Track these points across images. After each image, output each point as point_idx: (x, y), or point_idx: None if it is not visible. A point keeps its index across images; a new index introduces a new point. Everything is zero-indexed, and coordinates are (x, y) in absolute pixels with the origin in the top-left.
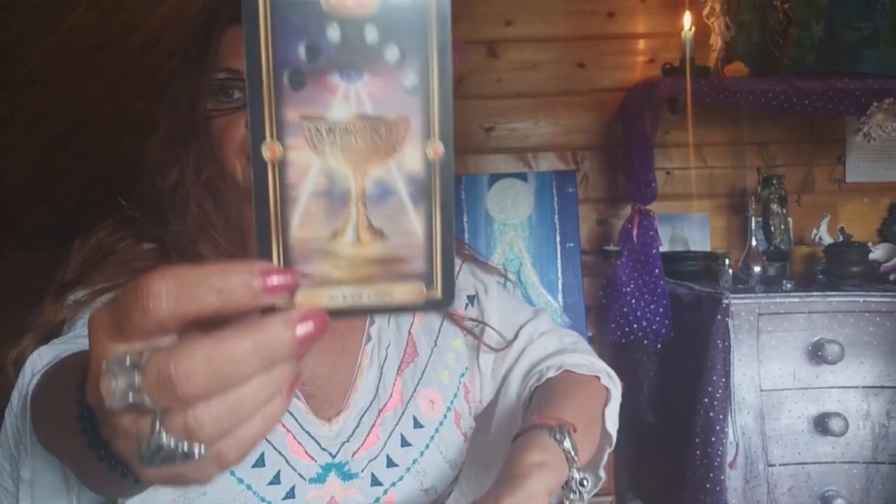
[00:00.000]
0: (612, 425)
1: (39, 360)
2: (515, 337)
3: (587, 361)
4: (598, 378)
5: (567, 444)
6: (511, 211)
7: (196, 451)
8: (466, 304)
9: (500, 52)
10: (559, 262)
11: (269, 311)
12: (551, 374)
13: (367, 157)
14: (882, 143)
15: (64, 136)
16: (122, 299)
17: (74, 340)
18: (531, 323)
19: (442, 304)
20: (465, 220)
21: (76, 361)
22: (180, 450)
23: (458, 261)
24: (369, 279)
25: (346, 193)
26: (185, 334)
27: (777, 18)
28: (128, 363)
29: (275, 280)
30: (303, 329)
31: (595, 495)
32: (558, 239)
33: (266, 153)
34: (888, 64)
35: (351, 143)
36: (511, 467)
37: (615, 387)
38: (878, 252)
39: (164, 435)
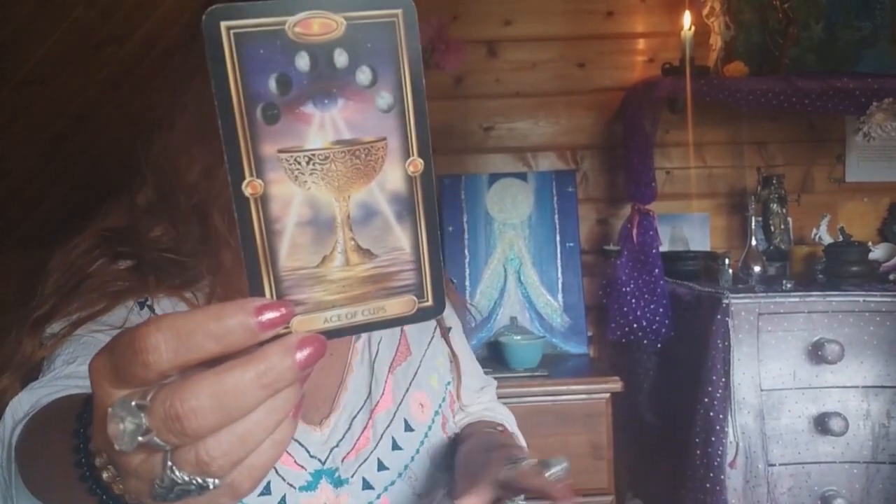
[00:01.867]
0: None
1: (20, 406)
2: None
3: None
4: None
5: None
6: (511, 210)
7: (210, 484)
8: (450, 329)
9: (500, 51)
10: (559, 261)
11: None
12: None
13: (349, 182)
14: (882, 142)
15: (64, 136)
16: (119, 351)
17: (53, 382)
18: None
19: (434, 311)
20: (464, 219)
21: (64, 408)
22: (194, 484)
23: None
24: (362, 298)
25: (331, 219)
26: (186, 370)
27: (777, 18)
28: (133, 405)
29: (270, 315)
30: (302, 354)
31: (595, 495)
32: (558, 238)
33: (247, 190)
34: (888, 63)
35: (331, 170)
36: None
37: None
38: (877, 252)
39: (176, 471)
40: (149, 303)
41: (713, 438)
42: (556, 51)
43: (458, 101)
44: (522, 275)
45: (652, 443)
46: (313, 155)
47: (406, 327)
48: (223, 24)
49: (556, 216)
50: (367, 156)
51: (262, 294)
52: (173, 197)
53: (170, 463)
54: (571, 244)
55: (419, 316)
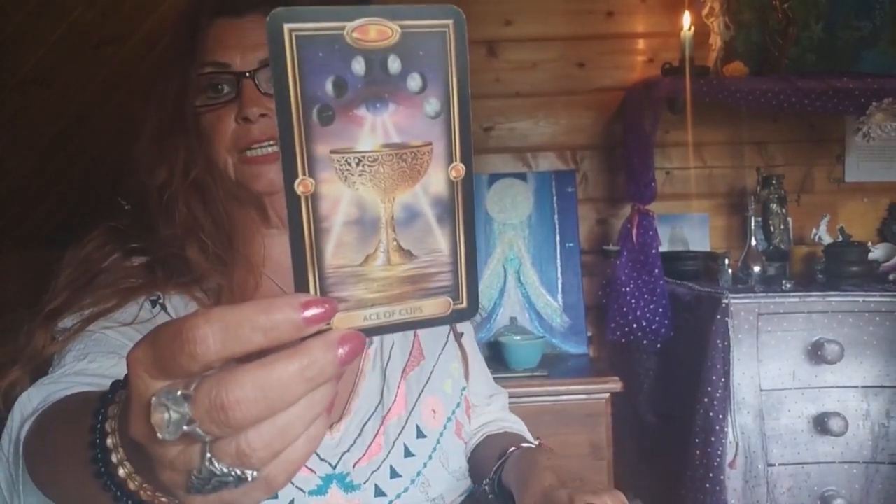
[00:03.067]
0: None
1: (29, 402)
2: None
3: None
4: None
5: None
6: (511, 210)
7: (249, 476)
8: (462, 333)
9: (500, 51)
10: (559, 261)
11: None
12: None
13: (395, 184)
14: (881, 142)
15: (64, 136)
16: (164, 342)
17: (63, 379)
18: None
19: (467, 314)
20: None
21: (76, 405)
22: (232, 476)
23: None
24: (401, 297)
25: (377, 220)
26: (228, 363)
27: (776, 18)
28: (179, 394)
29: (315, 311)
30: (343, 350)
31: None
32: (558, 238)
33: (299, 188)
34: (887, 64)
35: (379, 172)
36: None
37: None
38: (877, 252)
39: (215, 463)
40: (161, 300)
41: (713, 438)
42: (556, 51)
43: None
44: (522, 275)
45: (652, 443)
46: (363, 157)
47: (420, 333)
48: (286, 27)
49: (556, 216)
50: (414, 159)
51: (307, 290)
52: (147, 197)
53: (209, 454)
54: (571, 244)
55: (454, 317)
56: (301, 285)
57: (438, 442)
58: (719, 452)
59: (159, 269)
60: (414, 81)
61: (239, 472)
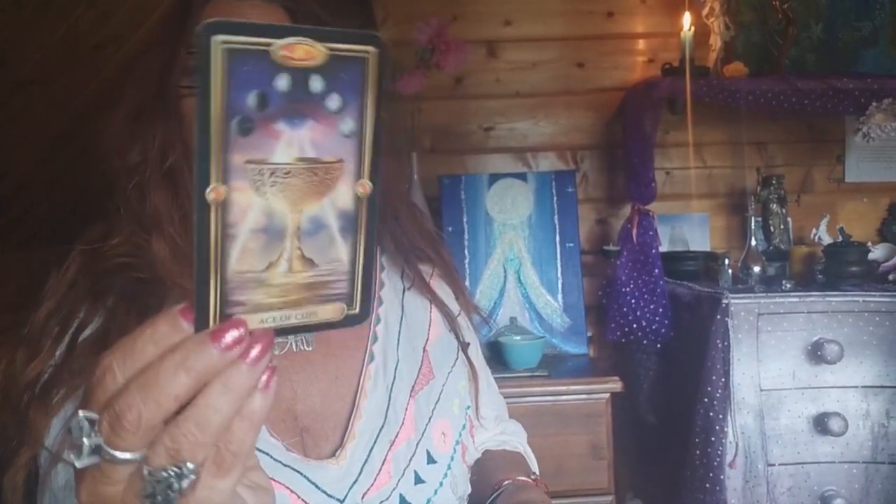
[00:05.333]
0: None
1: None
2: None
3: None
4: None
5: None
6: (510, 211)
7: (186, 469)
8: (468, 344)
9: (500, 51)
10: (559, 261)
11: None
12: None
13: (305, 196)
14: (881, 142)
15: (64, 136)
16: (89, 388)
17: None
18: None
19: (358, 318)
20: (464, 219)
21: None
22: (172, 473)
23: (458, 308)
24: (298, 302)
25: (283, 229)
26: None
27: (776, 18)
28: (82, 417)
29: (192, 314)
30: (223, 340)
31: (594, 495)
32: (558, 239)
33: (210, 195)
34: (887, 64)
35: (290, 184)
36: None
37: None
38: (877, 252)
39: (154, 473)
40: None
41: (713, 438)
42: (556, 51)
43: (458, 102)
44: (522, 275)
45: (652, 443)
46: (277, 168)
47: (430, 349)
48: (216, 38)
49: (556, 216)
50: (325, 174)
51: (207, 293)
52: (117, 180)
53: (145, 469)
54: (571, 244)
55: (346, 322)
56: (201, 288)
57: (449, 467)
58: (719, 452)
59: (128, 313)
60: (333, 101)
61: (176, 469)
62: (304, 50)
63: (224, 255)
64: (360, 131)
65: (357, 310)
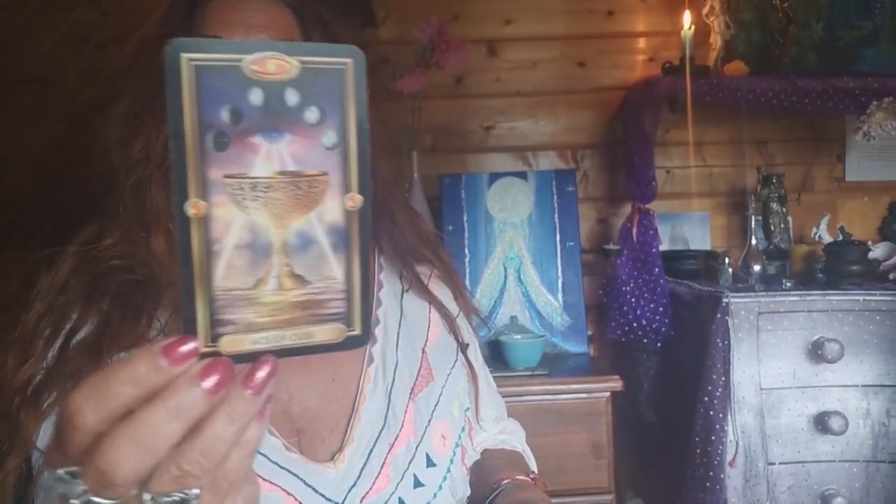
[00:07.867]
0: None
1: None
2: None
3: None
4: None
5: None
6: (511, 210)
7: (192, 495)
8: (468, 345)
9: (500, 50)
10: (559, 260)
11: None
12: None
13: (289, 210)
14: (882, 141)
15: (64, 137)
16: (58, 428)
17: None
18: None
19: (360, 340)
20: (464, 219)
21: None
22: (178, 498)
23: (457, 309)
24: (291, 322)
25: (269, 245)
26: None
27: (777, 17)
28: (62, 473)
29: (179, 352)
30: (209, 382)
31: (595, 494)
32: (558, 238)
33: (190, 210)
34: (888, 63)
35: (273, 198)
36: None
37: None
38: (877, 251)
39: (157, 498)
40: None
41: (713, 437)
42: (557, 50)
43: (458, 101)
44: (522, 274)
45: (652, 442)
46: (257, 182)
47: (429, 350)
48: (184, 56)
49: (557, 215)
50: (309, 188)
51: (194, 310)
52: (115, 177)
53: (147, 495)
54: (571, 243)
55: (347, 344)
56: (188, 305)
57: (449, 470)
58: (719, 451)
59: (121, 316)
60: (311, 114)
61: (182, 494)
62: (276, 64)
63: (209, 272)
64: (344, 143)
65: (358, 330)
